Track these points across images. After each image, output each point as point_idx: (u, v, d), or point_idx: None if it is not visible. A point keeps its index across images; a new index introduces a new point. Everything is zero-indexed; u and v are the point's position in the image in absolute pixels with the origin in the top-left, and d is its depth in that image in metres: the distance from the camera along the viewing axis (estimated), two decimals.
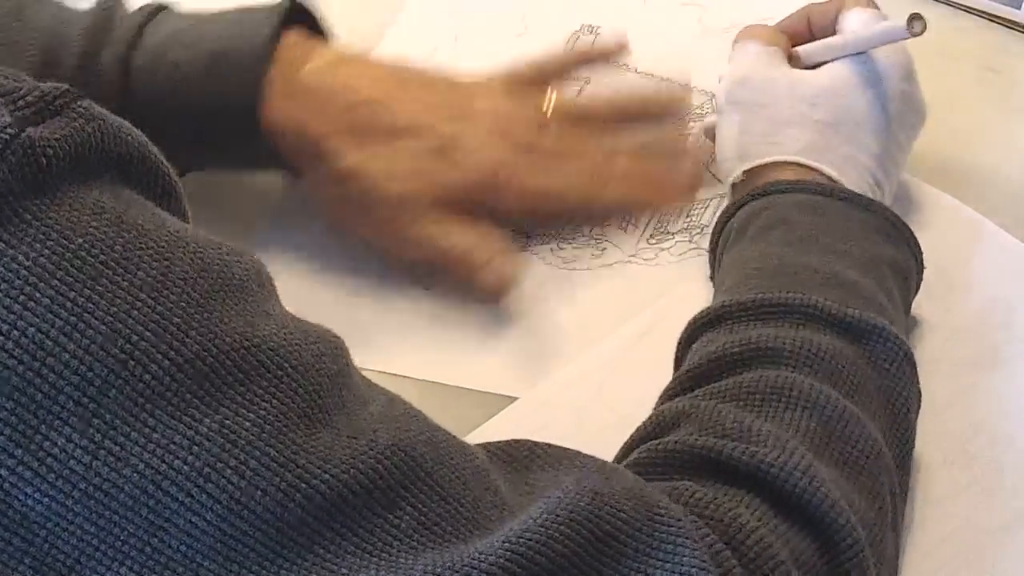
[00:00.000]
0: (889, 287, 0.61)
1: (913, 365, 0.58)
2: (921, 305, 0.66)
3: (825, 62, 0.69)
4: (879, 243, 0.62)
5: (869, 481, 0.52)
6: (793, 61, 0.70)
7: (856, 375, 0.55)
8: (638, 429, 0.55)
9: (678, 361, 0.61)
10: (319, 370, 0.43)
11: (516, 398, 0.66)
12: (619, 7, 0.88)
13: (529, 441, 0.50)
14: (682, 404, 0.54)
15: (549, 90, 0.73)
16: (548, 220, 0.73)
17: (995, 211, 0.72)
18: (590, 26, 0.86)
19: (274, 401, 0.40)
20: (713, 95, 0.79)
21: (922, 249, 0.65)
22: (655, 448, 0.51)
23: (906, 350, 0.57)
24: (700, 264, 0.71)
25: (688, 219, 0.74)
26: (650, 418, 0.55)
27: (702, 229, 0.73)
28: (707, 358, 0.56)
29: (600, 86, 0.81)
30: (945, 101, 0.76)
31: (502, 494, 0.45)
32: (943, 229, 0.71)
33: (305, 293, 0.73)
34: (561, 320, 0.70)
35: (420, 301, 0.72)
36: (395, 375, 0.68)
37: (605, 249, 0.74)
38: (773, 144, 0.67)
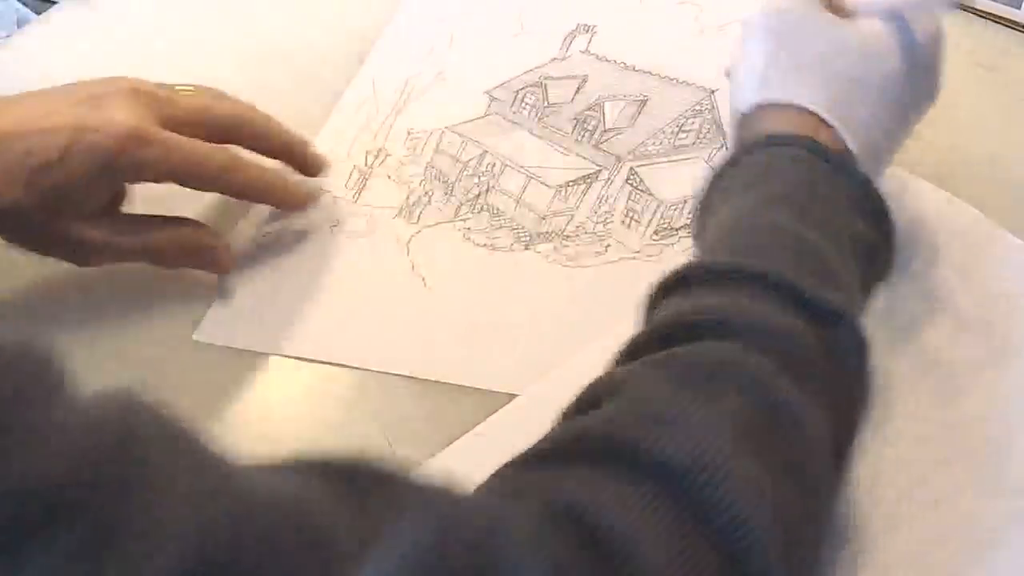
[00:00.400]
0: (854, 266, 0.58)
1: (868, 356, 0.54)
2: (919, 303, 0.66)
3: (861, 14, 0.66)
4: (855, 219, 0.60)
5: (802, 476, 0.48)
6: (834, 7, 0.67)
7: (810, 358, 0.52)
8: (574, 397, 0.51)
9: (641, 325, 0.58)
10: (100, 497, 0.34)
11: (516, 395, 0.66)
12: (616, 6, 0.88)
13: (376, 464, 0.43)
14: (620, 373, 0.51)
15: None
16: (192, 183, 0.70)
17: (995, 210, 0.71)
18: (586, 25, 0.86)
19: None
20: (712, 91, 0.79)
21: (907, 238, 0.64)
22: (569, 430, 0.48)
23: (862, 338, 0.54)
24: None
25: (692, 215, 0.73)
26: (588, 386, 0.51)
27: None
28: (662, 322, 0.53)
29: (598, 85, 0.81)
30: (945, 100, 0.76)
31: (333, 545, 0.38)
32: (942, 226, 0.71)
33: (303, 293, 0.73)
34: (563, 318, 0.70)
35: (420, 298, 0.72)
36: (395, 375, 0.68)
37: (609, 247, 0.73)
38: (798, 86, 0.64)
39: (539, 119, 0.81)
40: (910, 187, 0.73)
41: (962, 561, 0.57)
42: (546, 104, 0.82)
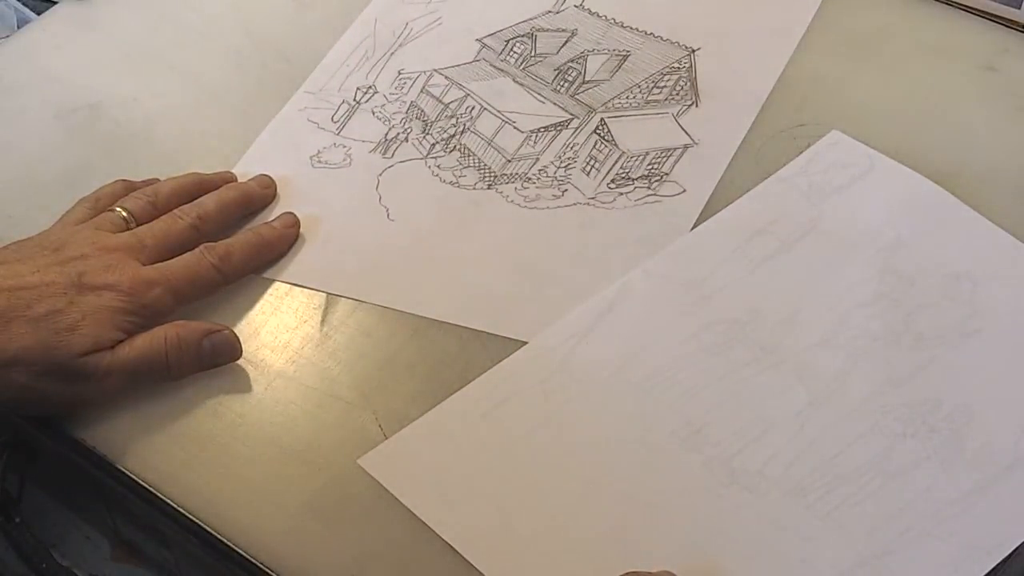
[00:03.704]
0: None
1: None
2: (885, 279, 0.66)
3: None
4: None
5: None
6: None
7: None
8: None
9: None
10: None
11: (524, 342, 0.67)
12: None
13: None
14: None
15: None
16: (198, 294, 0.71)
17: (995, 211, 0.71)
18: None
19: None
20: (693, 50, 0.80)
21: (874, 217, 0.65)
22: None
23: None
24: (654, 211, 0.72)
25: (650, 167, 0.75)
26: None
27: (662, 177, 0.74)
28: None
29: (585, 40, 0.82)
30: (945, 101, 0.77)
31: None
32: (906, 204, 0.71)
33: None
34: (517, 255, 0.72)
35: (383, 229, 0.74)
36: (391, 372, 0.68)
37: (566, 191, 0.75)
38: None
39: (524, 68, 0.82)
40: (876, 166, 0.73)
41: (921, 530, 0.58)
42: (533, 54, 0.83)
